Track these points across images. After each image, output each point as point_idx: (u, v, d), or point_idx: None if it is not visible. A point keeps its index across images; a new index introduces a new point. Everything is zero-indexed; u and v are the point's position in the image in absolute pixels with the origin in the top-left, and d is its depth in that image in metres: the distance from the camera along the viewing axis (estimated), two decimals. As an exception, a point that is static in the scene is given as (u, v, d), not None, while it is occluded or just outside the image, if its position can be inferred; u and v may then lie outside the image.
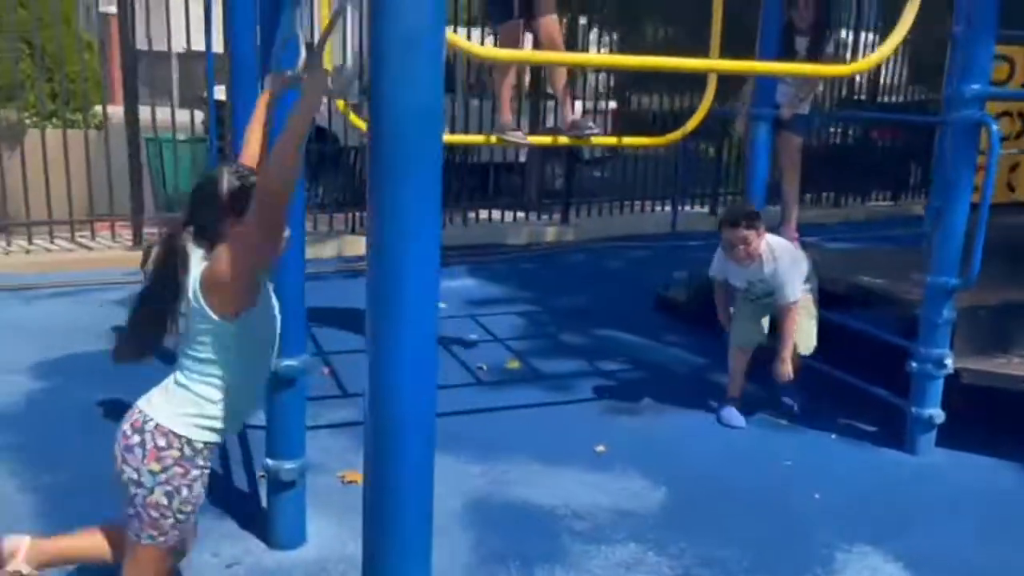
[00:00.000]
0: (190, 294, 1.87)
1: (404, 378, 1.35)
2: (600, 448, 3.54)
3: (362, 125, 3.87)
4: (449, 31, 2.35)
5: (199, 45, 6.41)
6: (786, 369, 3.67)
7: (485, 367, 4.49)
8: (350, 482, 3.12)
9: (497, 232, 8.05)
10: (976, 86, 3.28)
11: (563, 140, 4.15)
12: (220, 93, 7.88)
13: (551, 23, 4.11)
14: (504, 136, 3.93)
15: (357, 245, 7.18)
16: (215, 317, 1.85)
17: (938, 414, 3.51)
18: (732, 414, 3.87)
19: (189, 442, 1.89)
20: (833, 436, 3.77)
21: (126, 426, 1.92)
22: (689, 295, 5.39)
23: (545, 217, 8.56)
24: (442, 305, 5.59)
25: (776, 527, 2.98)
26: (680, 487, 3.23)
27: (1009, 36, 5.28)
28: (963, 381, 3.50)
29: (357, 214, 7.42)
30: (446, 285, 6.22)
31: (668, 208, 8.99)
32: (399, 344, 1.34)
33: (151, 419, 1.89)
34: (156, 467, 1.86)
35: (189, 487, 1.91)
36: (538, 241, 8.05)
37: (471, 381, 4.32)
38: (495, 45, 4.47)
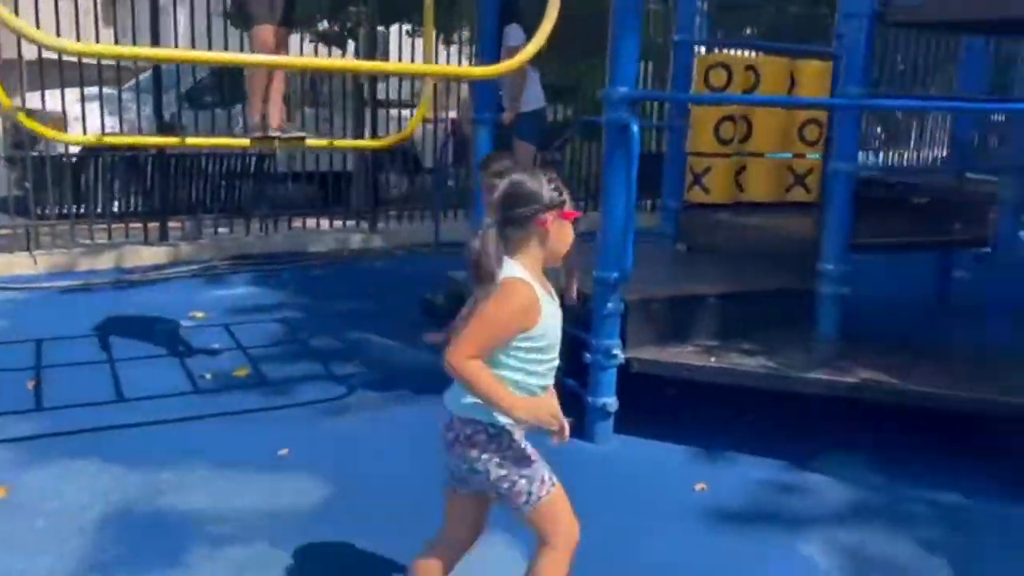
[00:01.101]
0: None
1: None
2: (283, 451, 3.54)
3: (47, 132, 3.77)
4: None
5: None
6: (572, 295, 3.64)
7: (210, 375, 4.41)
8: (-16, 496, 3.02)
9: (300, 240, 7.97)
10: (624, 89, 3.44)
11: (278, 144, 4.15)
12: (33, 100, 7.50)
13: (260, 31, 4.12)
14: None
15: (139, 255, 6.99)
16: None
17: (612, 402, 3.66)
18: None
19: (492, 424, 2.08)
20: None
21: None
22: (445, 297, 5.47)
23: (352, 224, 8.52)
24: (199, 315, 5.51)
25: (419, 521, 3.01)
26: (348, 487, 3.24)
27: (727, 44, 5.61)
28: (632, 370, 3.67)
29: (149, 224, 7.25)
30: (216, 294, 6.14)
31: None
32: None
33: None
34: (474, 452, 2.09)
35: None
36: (343, 249, 8.01)
37: (188, 390, 4.24)
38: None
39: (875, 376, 3.61)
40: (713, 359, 3.67)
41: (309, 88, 9.23)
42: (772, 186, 5.54)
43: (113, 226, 7.19)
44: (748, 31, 13.39)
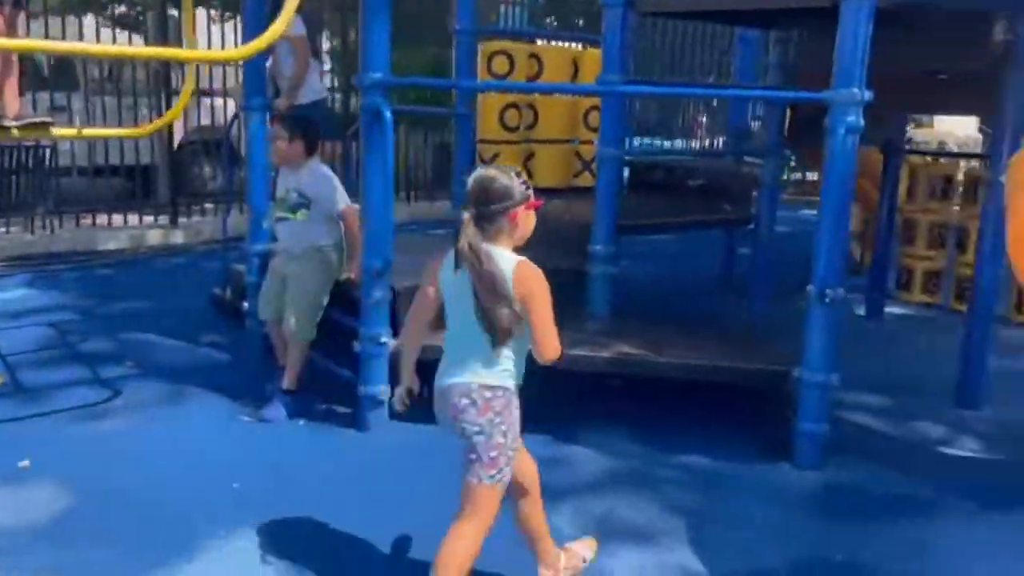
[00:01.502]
0: None
1: None
2: (24, 463, 3.30)
3: None
4: None
5: None
6: (357, 277, 3.74)
7: (-45, 386, 4.06)
8: None
9: (91, 238, 7.48)
10: (377, 75, 3.41)
11: (16, 133, 3.85)
12: None
13: None
14: None
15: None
16: None
17: (383, 390, 3.64)
18: (272, 409, 3.80)
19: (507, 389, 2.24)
20: (302, 423, 3.80)
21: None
22: (233, 291, 5.28)
23: (152, 220, 8.08)
24: (-43, 321, 5.06)
25: (171, 529, 2.88)
26: (93, 498, 3.04)
27: (508, 32, 5.70)
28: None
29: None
30: (-18, 298, 5.66)
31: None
32: None
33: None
34: (488, 415, 2.20)
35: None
36: (138, 246, 7.57)
37: (-72, 403, 3.88)
38: None
39: (634, 351, 3.79)
40: (481, 342, 3.71)
41: (108, 76, 8.67)
42: (560, 172, 5.70)
43: None
44: (579, 22, 13.75)
